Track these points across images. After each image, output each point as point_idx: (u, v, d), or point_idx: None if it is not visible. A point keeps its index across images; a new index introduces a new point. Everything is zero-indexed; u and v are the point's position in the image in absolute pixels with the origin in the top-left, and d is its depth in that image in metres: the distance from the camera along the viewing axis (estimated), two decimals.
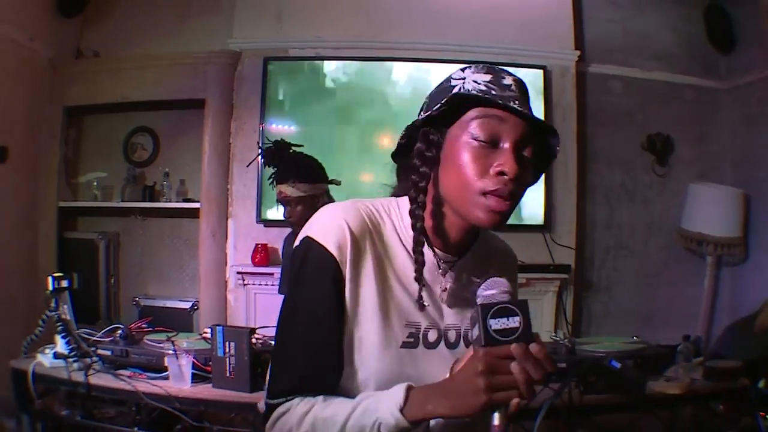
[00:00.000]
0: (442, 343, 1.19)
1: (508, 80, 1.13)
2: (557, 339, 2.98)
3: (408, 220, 1.18)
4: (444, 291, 1.20)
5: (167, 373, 2.53)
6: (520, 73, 4.47)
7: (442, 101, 1.11)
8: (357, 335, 1.14)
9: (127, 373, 2.61)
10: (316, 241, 1.13)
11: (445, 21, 4.45)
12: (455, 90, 1.13)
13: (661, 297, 4.68)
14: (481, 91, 1.11)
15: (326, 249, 1.12)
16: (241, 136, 4.39)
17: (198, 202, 4.35)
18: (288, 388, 1.12)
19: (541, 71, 4.45)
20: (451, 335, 1.20)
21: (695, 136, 4.86)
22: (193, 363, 2.51)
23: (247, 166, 3.99)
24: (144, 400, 2.49)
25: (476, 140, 1.10)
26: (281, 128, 4.42)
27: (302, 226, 1.20)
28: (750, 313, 3.33)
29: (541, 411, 2.37)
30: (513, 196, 1.10)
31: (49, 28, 4.49)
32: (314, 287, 1.13)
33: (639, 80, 4.77)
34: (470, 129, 1.11)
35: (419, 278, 1.15)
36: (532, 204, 4.40)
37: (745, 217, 4.56)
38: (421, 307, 1.17)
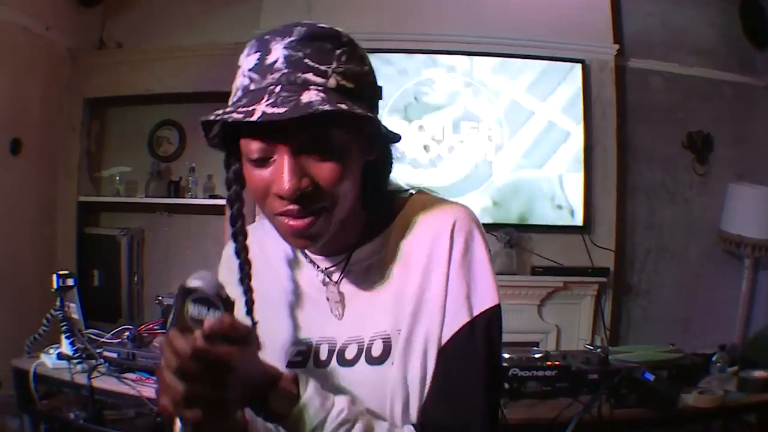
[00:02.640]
0: (334, 360, 1.03)
1: (275, 54, 0.90)
2: (591, 348, 2.94)
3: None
4: (337, 302, 1.04)
5: None
6: (559, 66, 4.38)
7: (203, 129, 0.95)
8: None
9: (133, 376, 2.53)
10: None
11: (481, 13, 4.30)
12: (235, 85, 0.95)
13: (701, 301, 4.54)
14: (242, 88, 0.92)
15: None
16: None
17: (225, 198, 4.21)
18: None
19: (579, 65, 4.30)
20: (350, 351, 1.02)
21: (734, 134, 4.71)
22: None
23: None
24: (148, 405, 2.40)
25: (249, 160, 0.92)
26: None
27: None
28: None
29: (569, 427, 2.28)
30: (311, 209, 0.92)
31: (67, 18, 4.37)
32: None
33: (679, 76, 4.61)
34: (243, 149, 0.93)
35: (250, 313, 1.01)
36: (572, 204, 4.26)
37: None
38: (309, 320, 1.05)
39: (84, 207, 4.46)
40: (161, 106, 4.52)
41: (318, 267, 1.05)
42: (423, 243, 1.01)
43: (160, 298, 4.20)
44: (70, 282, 2.66)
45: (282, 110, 0.84)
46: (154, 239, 4.52)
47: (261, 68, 0.90)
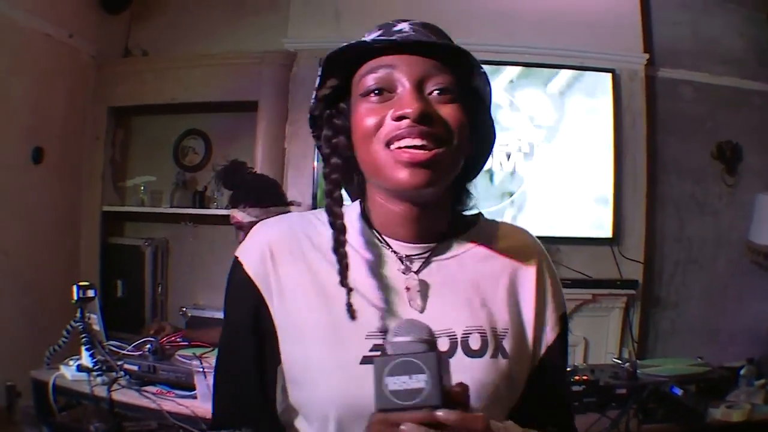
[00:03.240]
0: None
1: (401, 25, 0.98)
2: (619, 362, 2.91)
3: (354, 221, 1.05)
4: (418, 291, 1.00)
5: (196, 391, 2.41)
6: (588, 76, 4.34)
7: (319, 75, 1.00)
8: (302, 355, 0.98)
9: (153, 389, 2.50)
10: (237, 260, 1.06)
11: (511, 22, 4.25)
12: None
13: (729, 313, 4.46)
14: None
15: (243, 268, 1.04)
16: (297, 142, 4.17)
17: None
18: (219, 422, 1.05)
19: (609, 75, 4.25)
20: (442, 343, 0.96)
21: (764, 145, 4.64)
22: None
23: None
24: (168, 419, 2.36)
25: (365, 95, 0.96)
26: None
27: None
28: None
29: None
30: (433, 140, 0.92)
31: (91, 25, 4.34)
32: (232, 312, 1.06)
33: (708, 86, 4.54)
34: (359, 89, 0.97)
35: (343, 281, 0.97)
36: (601, 216, 4.20)
37: None
38: (388, 311, 0.99)
39: (108, 217, 4.43)
40: (187, 116, 4.48)
41: (397, 254, 1.03)
42: (510, 256, 1.07)
43: (184, 309, 4.20)
44: (90, 293, 2.63)
45: (416, 37, 0.94)
46: (179, 250, 4.48)
47: (387, 33, 0.97)
